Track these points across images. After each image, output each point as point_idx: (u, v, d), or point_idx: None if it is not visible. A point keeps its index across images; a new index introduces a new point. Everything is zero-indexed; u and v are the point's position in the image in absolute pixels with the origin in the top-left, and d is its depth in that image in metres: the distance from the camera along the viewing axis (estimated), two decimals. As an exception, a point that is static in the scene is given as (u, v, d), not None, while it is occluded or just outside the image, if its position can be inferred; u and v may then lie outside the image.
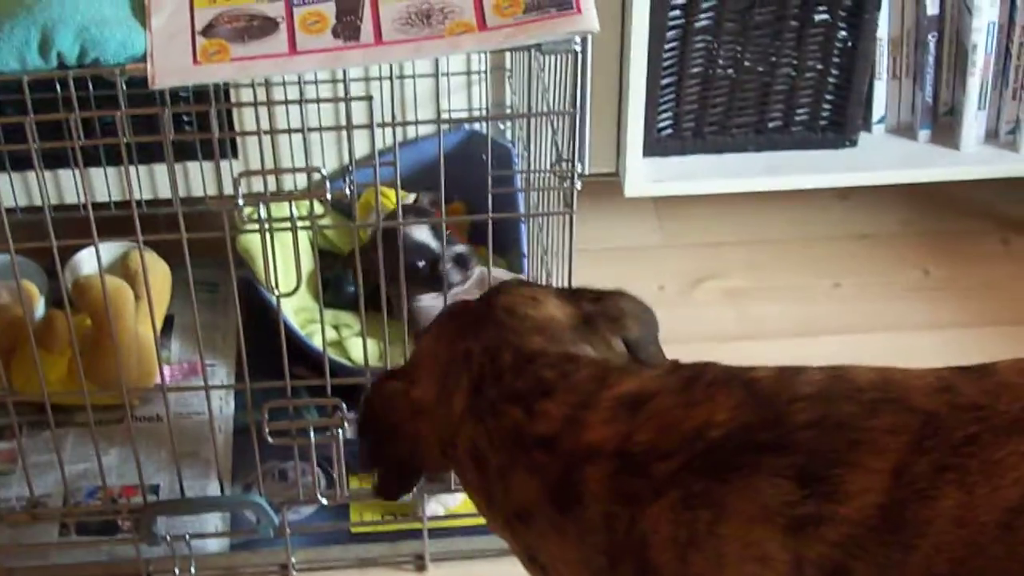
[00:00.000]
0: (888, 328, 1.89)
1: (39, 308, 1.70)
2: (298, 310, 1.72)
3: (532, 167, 1.57)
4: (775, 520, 0.88)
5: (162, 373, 1.52)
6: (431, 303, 1.64)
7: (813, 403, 0.92)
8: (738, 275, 2.01)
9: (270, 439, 1.41)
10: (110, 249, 1.73)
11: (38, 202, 1.63)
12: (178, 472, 1.49)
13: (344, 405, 1.42)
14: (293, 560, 1.53)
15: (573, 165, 1.32)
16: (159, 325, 1.66)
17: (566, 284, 1.41)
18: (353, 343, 1.68)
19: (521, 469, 1.00)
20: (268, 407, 1.40)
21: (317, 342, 1.66)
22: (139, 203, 1.33)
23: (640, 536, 0.93)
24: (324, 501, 1.50)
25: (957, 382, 0.90)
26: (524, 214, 1.67)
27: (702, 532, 0.91)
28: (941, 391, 0.90)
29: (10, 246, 1.30)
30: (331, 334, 1.69)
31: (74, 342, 1.42)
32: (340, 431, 1.42)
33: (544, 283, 1.61)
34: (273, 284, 1.35)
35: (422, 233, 1.67)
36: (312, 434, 1.41)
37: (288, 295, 1.35)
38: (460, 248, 1.68)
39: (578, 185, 1.33)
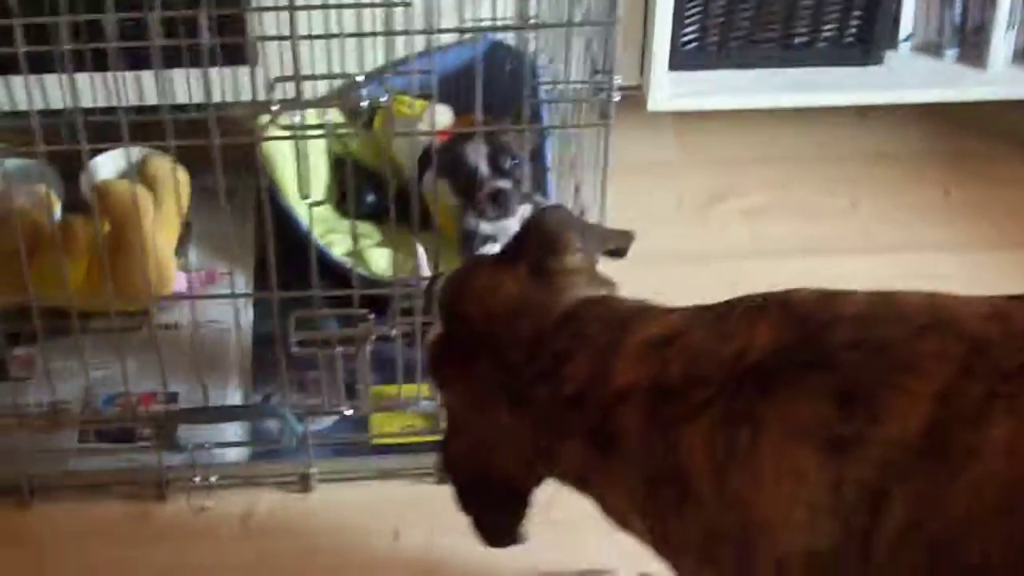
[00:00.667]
0: (906, 249, 1.88)
1: (56, 213, 1.68)
2: (316, 221, 1.70)
3: (561, 79, 1.55)
4: (812, 438, 0.87)
5: (188, 281, 1.51)
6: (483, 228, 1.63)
7: (856, 324, 0.90)
8: (755, 193, 1.99)
9: (296, 349, 1.40)
10: (128, 155, 1.70)
11: (55, 106, 1.60)
12: (201, 380, 1.48)
13: (371, 316, 1.41)
14: (314, 470, 1.53)
15: (611, 77, 1.30)
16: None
17: (598, 198, 1.39)
18: (372, 253, 1.67)
19: (564, 437, 1.00)
20: (296, 316, 1.39)
21: (335, 253, 1.65)
22: (159, 108, 1.31)
23: (679, 458, 0.92)
24: (348, 412, 1.50)
25: (1010, 309, 0.88)
26: (563, 125, 1.64)
27: (741, 449, 0.89)
28: (993, 318, 0.88)
29: (35, 149, 1.28)
30: (350, 244, 1.68)
31: (101, 247, 1.41)
32: (365, 344, 1.42)
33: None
34: (299, 192, 1.33)
35: (478, 155, 1.62)
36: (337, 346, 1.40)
37: (318, 204, 1.33)
38: (502, 183, 1.63)
39: (616, 96, 1.31)
